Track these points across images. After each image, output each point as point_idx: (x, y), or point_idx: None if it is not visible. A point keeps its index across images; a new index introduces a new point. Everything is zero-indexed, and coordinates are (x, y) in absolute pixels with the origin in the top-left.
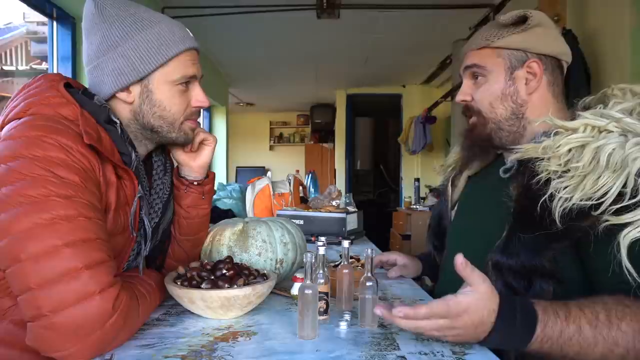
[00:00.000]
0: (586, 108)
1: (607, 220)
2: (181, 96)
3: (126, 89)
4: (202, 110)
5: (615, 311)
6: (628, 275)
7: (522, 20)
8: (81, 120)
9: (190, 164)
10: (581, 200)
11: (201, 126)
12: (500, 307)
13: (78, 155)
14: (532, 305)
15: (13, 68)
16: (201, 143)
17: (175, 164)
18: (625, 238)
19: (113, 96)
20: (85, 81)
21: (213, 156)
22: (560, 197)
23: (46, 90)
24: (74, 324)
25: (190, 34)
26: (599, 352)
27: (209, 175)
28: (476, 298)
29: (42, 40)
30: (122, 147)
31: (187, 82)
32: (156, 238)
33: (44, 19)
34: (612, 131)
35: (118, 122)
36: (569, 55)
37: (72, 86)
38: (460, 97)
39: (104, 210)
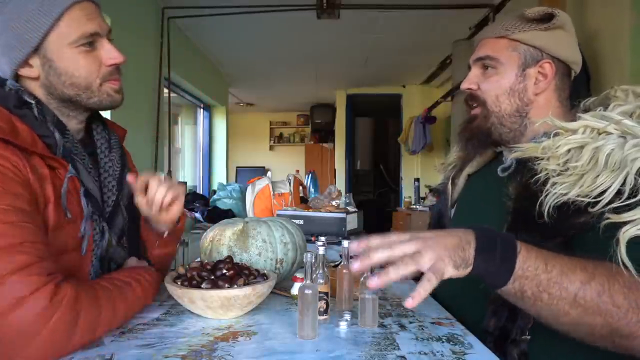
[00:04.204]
0: (588, 109)
1: (607, 218)
2: (87, 58)
3: (25, 63)
4: (202, 110)
5: (592, 261)
6: (625, 271)
7: (547, 18)
8: None
9: (160, 219)
10: (578, 196)
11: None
12: (475, 231)
13: None
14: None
15: None
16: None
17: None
18: (625, 235)
19: (19, 76)
20: None
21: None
22: (555, 193)
23: None
24: (15, 331)
25: None
26: (578, 279)
27: (180, 219)
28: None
29: None
30: (41, 129)
31: (91, 41)
32: (122, 216)
33: None
34: (612, 133)
35: (33, 102)
36: (579, 66)
37: None
38: (466, 84)
39: (44, 205)
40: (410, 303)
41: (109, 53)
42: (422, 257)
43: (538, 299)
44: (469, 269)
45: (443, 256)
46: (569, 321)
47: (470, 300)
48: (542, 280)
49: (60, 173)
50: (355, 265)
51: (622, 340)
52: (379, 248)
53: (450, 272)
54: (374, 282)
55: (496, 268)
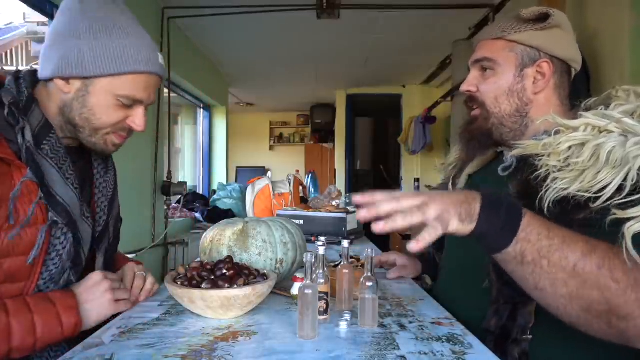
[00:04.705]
0: (589, 109)
1: (614, 214)
2: (117, 111)
3: (66, 80)
4: (202, 110)
5: (594, 238)
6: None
7: (543, 18)
8: None
9: None
10: (579, 192)
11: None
12: (481, 191)
13: None
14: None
15: (13, 68)
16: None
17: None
18: (630, 230)
19: (51, 79)
20: None
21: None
22: (555, 188)
23: None
24: None
25: (160, 60)
26: (580, 249)
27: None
28: None
29: (42, 41)
30: (8, 133)
31: (132, 102)
32: (109, 235)
33: (44, 19)
34: (613, 131)
35: (6, 103)
36: (579, 63)
37: None
38: (465, 86)
39: None
40: (414, 246)
41: (137, 118)
42: (429, 208)
43: (538, 265)
44: (473, 225)
45: (449, 208)
46: (566, 293)
47: (470, 300)
48: (544, 246)
49: (23, 173)
50: (362, 214)
51: (619, 322)
52: (385, 201)
53: (455, 225)
54: (380, 225)
55: (500, 227)
